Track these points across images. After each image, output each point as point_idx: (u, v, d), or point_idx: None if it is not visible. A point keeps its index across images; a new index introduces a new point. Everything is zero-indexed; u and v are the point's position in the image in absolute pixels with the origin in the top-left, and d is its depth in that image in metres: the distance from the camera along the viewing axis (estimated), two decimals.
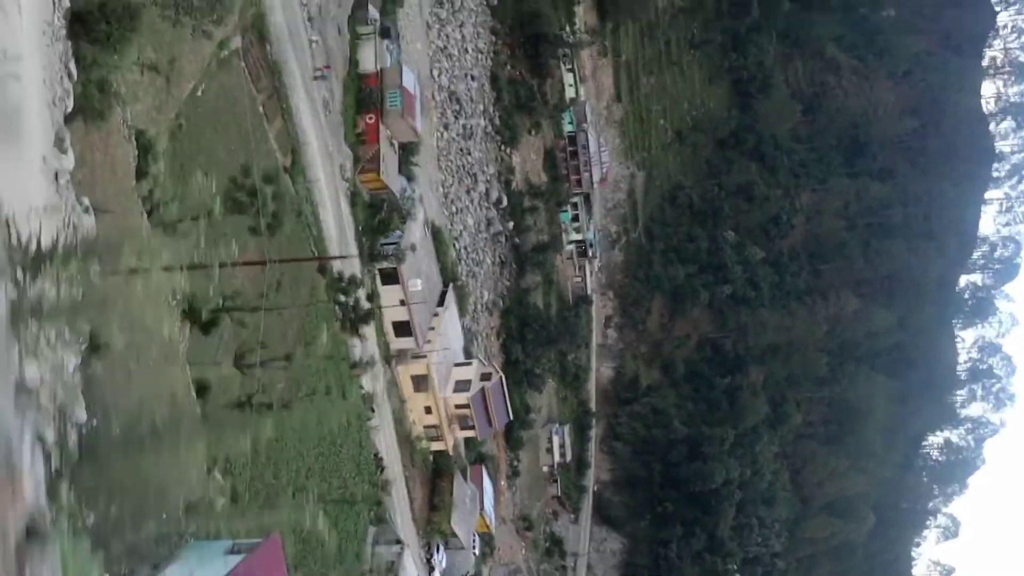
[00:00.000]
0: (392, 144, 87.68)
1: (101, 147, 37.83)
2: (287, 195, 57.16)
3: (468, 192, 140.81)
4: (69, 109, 34.25)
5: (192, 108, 53.37)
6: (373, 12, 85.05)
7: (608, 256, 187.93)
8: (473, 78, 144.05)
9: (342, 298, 66.46)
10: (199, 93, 52.18)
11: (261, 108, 62.54)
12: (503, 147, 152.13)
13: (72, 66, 34.11)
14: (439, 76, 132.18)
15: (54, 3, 33.22)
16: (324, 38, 75.90)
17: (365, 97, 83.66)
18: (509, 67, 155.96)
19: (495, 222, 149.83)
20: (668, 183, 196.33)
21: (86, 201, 34.26)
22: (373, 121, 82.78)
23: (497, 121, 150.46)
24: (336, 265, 69.54)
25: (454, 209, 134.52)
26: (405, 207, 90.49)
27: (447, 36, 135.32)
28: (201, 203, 41.57)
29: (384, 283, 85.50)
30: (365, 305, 70.88)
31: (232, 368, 52.30)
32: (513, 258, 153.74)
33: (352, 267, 73.85)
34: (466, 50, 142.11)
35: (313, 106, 72.89)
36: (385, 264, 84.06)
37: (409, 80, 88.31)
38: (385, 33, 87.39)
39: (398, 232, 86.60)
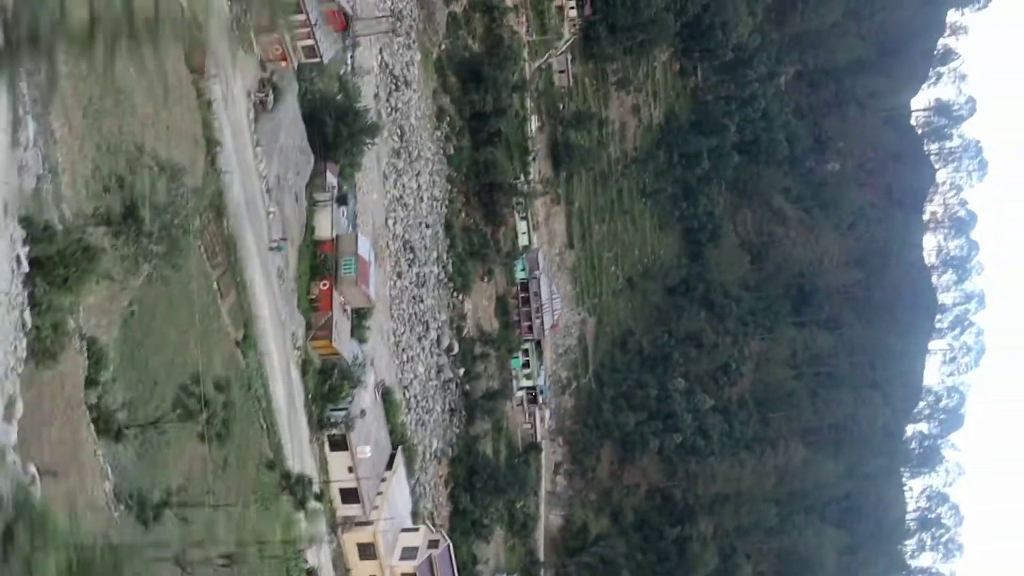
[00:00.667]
0: (345, 310, 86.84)
1: (52, 383, 36.40)
2: (236, 403, 55.69)
3: (420, 339, 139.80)
4: (21, 366, 32.93)
5: (146, 291, 52.04)
6: (331, 178, 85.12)
7: (558, 402, 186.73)
8: (428, 226, 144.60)
9: (290, 493, 64.42)
10: (152, 280, 51.01)
11: (215, 284, 61.50)
12: (455, 294, 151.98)
13: (27, 315, 32.97)
14: (394, 225, 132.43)
15: (13, 269, 32.17)
16: (281, 207, 75.61)
17: (320, 264, 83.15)
18: (464, 215, 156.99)
19: (446, 369, 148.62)
20: (619, 329, 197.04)
21: (32, 469, 32.61)
22: (327, 288, 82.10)
23: (450, 268, 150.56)
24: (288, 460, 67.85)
25: (405, 358, 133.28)
26: (356, 374, 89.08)
27: (403, 186, 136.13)
28: (150, 410, 39.93)
29: (332, 450, 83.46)
30: (315, 489, 68.79)
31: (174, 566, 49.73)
32: (463, 405, 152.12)
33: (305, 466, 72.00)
34: (422, 199, 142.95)
35: (267, 277, 72.12)
36: (334, 431, 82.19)
37: (364, 248, 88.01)
38: (342, 200, 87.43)
39: (348, 398, 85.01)
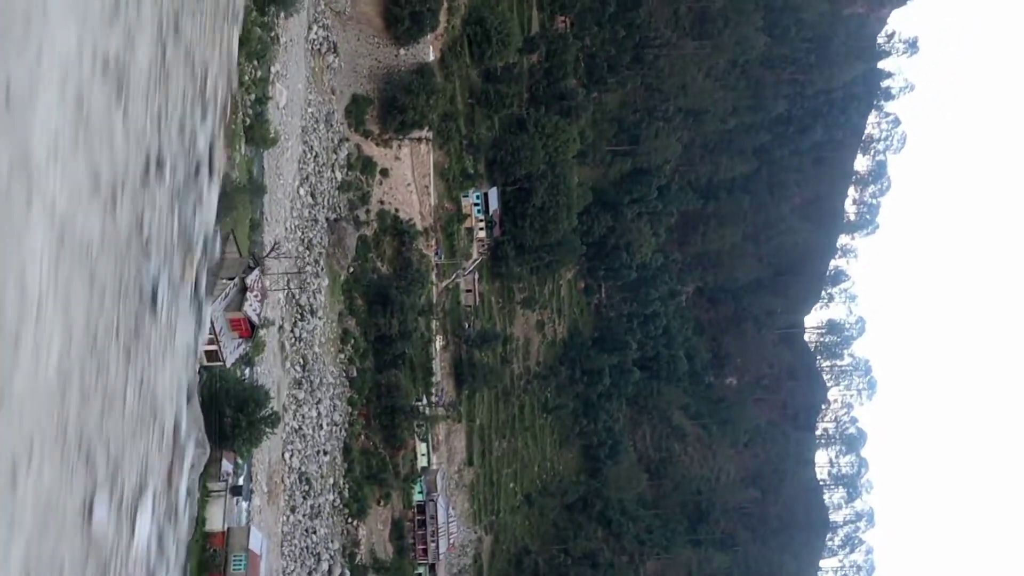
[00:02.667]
0: None
1: None
2: None
3: (310, 574, 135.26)
4: None
5: None
6: (227, 465, 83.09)
7: None
8: (326, 452, 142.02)
9: None
10: None
11: None
12: (350, 520, 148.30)
13: None
14: (291, 458, 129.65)
15: None
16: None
17: (208, 559, 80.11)
18: (363, 437, 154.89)
19: None
20: (515, 547, 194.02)
21: None
22: None
23: (346, 494, 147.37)
24: None
25: None
26: None
27: (303, 416, 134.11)
28: None
29: None
30: None
31: None
32: None
33: None
34: (321, 426, 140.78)
35: None
36: None
37: (256, 541, 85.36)
38: (236, 491, 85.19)
39: None
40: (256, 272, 75.95)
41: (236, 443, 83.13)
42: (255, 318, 77.80)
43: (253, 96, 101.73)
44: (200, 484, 79.01)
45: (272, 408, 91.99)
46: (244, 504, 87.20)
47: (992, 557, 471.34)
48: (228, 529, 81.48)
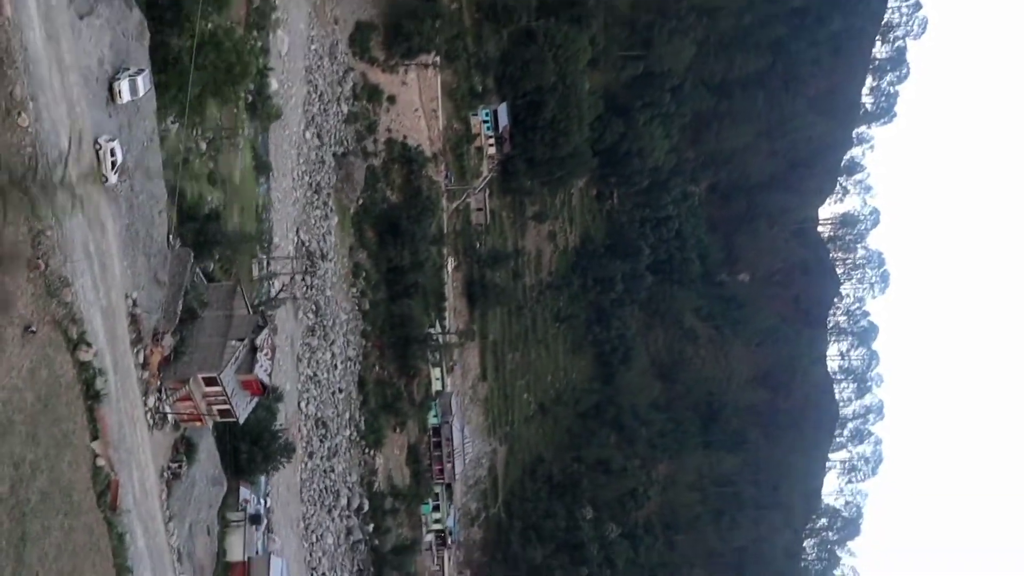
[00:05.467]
0: None
1: None
2: None
3: (329, 511, 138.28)
4: None
5: None
6: (245, 492, 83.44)
7: (467, 534, 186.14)
8: (340, 390, 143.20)
9: None
10: None
11: None
12: (367, 451, 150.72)
13: None
14: (306, 406, 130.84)
15: None
16: (193, 555, 73.32)
17: None
18: (377, 367, 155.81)
19: (355, 530, 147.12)
20: (529, 456, 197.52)
21: None
22: None
23: (363, 426, 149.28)
24: None
25: (314, 538, 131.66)
26: None
27: (316, 362, 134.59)
28: None
29: None
30: None
31: None
32: (372, 561, 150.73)
33: None
34: (335, 366, 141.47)
35: None
36: None
37: (276, 569, 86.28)
38: (255, 519, 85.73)
39: None
40: (266, 332, 74.79)
41: (252, 475, 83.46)
42: (266, 379, 77.16)
43: (254, 70, 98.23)
44: (219, 516, 79.64)
45: (286, 438, 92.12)
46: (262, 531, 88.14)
47: (998, 449, 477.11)
48: (248, 559, 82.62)
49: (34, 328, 53.14)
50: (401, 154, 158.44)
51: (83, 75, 55.41)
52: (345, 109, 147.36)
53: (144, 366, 68.05)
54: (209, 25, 68.78)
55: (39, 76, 51.69)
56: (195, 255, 72.35)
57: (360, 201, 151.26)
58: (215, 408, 71.97)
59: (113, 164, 58.81)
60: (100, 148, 57.93)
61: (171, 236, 69.90)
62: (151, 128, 65.28)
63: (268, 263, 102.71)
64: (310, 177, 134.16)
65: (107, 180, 58.91)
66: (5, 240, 49.18)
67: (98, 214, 57.98)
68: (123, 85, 58.97)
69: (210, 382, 71.65)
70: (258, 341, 72.64)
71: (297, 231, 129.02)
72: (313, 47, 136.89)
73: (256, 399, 76.40)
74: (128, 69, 59.86)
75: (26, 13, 51.06)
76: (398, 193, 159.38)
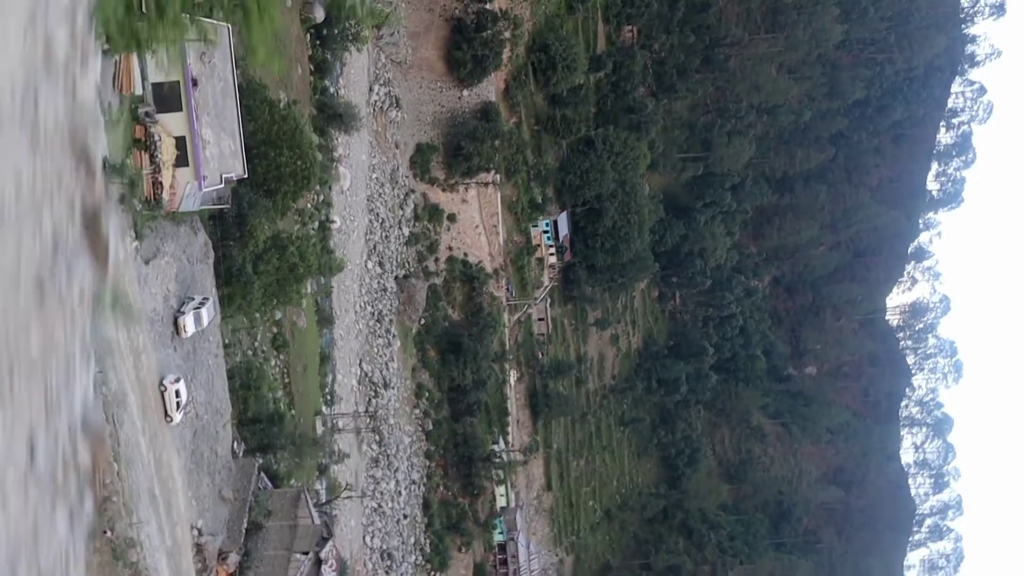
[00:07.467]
0: None
1: None
2: None
3: None
4: None
5: None
6: None
7: None
8: (405, 516, 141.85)
9: None
10: None
11: None
12: (432, 573, 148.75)
13: None
14: (371, 539, 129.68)
15: None
16: None
17: None
18: (442, 487, 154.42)
19: None
20: (596, 564, 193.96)
21: None
22: None
23: (428, 549, 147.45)
24: None
25: None
26: None
27: (381, 493, 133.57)
28: None
29: None
30: None
31: None
32: None
33: None
34: (399, 492, 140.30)
35: None
36: None
37: None
38: None
39: None
40: (330, 544, 73.91)
41: None
42: None
43: (316, 223, 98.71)
44: None
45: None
46: None
47: None
48: None
49: None
50: (462, 272, 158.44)
51: (149, 319, 55.31)
52: (406, 231, 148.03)
53: None
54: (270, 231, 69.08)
55: None
56: (259, 455, 71.72)
57: (422, 321, 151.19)
58: None
59: (178, 404, 58.71)
60: (165, 390, 57.92)
61: (235, 443, 69.42)
62: (216, 348, 65.09)
63: (331, 420, 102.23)
64: (372, 307, 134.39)
65: (172, 420, 58.78)
66: None
67: (163, 456, 57.41)
68: (188, 319, 59.11)
69: None
70: (323, 554, 71.51)
71: (360, 363, 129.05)
72: (375, 175, 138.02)
73: None
74: (192, 299, 60.06)
75: None
76: (459, 311, 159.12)
